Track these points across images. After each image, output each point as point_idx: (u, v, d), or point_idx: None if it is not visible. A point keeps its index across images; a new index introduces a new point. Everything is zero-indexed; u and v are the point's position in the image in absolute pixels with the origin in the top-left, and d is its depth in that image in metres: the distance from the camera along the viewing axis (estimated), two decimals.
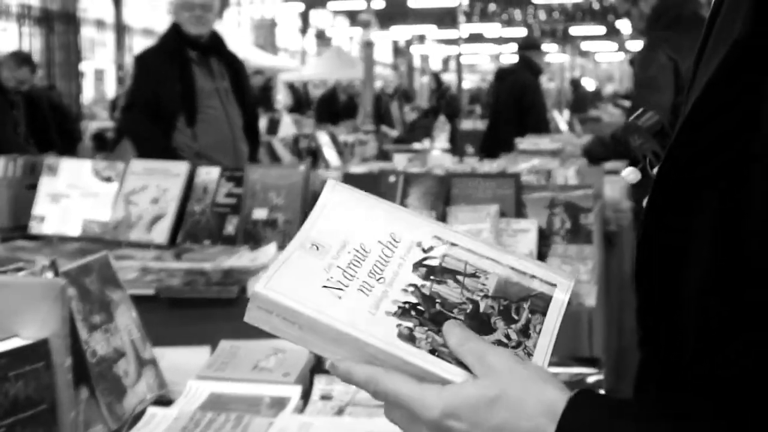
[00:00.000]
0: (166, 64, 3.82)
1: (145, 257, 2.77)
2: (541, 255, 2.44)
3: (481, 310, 0.80)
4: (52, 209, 3.08)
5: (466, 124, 12.14)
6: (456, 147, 10.06)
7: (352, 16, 25.17)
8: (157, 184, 3.03)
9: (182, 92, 3.80)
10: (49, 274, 1.25)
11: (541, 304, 0.81)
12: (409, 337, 0.76)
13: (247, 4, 23.45)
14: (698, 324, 0.67)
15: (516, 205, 2.54)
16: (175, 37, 3.89)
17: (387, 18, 23.66)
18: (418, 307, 0.79)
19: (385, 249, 0.82)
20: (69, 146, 6.47)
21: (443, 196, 2.59)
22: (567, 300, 0.82)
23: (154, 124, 3.80)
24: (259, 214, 2.89)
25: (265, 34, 24.85)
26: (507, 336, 0.79)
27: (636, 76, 3.61)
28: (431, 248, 0.82)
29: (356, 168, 4.59)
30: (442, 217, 2.54)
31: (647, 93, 3.33)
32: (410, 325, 0.77)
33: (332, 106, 14.12)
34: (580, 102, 16.01)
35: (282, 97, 18.99)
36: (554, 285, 0.82)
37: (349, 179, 2.86)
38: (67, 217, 3.06)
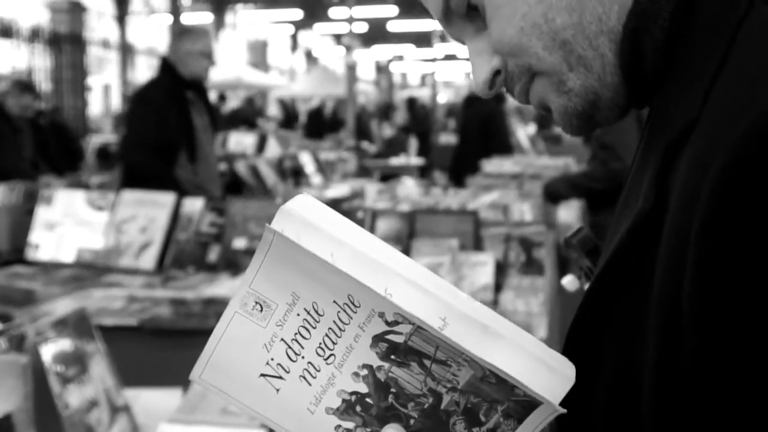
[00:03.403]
0: (166, 102, 3.71)
1: (132, 284, 2.71)
2: (498, 286, 2.41)
3: (443, 406, 0.63)
4: (47, 237, 3.02)
5: (442, 139, 12.11)
6: (428, 160, 10.06)
7: (338, 38, 25.12)
8: (145, 214, 2.98)
9: (184, 130, 3.72)
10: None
11: (519, 410, 0.61)
12: None
13: (242, 26, 23.34)
14: None
15: (474, 239, 2.50)
16: (171, 76, 3.77)
17: (369, 39, 23.63)
18: (366, 399, 0.64)
19: (342, 313, 0.63)
20: (72, 164, 6.37)
21: (408, 231, 2.55)
22: (555, 413, 0.61)
23: (160, 161, 3.70)
24: (239, 243, 2.84)
25: (258, 53, 24.75)
26: None
27: None
28: (395, 323, 0.62)
29: (337, 187, 4.55)
30: (406, 250, 2.50)
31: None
32: (351, 426, 0.66)
33: (319, 122, 14.08)
34: (545, 118, 16.03)
35: (273, 111, 18.91)
36: (541, 402, 0.60)
37: None
38: (62, 245, 3.00)
